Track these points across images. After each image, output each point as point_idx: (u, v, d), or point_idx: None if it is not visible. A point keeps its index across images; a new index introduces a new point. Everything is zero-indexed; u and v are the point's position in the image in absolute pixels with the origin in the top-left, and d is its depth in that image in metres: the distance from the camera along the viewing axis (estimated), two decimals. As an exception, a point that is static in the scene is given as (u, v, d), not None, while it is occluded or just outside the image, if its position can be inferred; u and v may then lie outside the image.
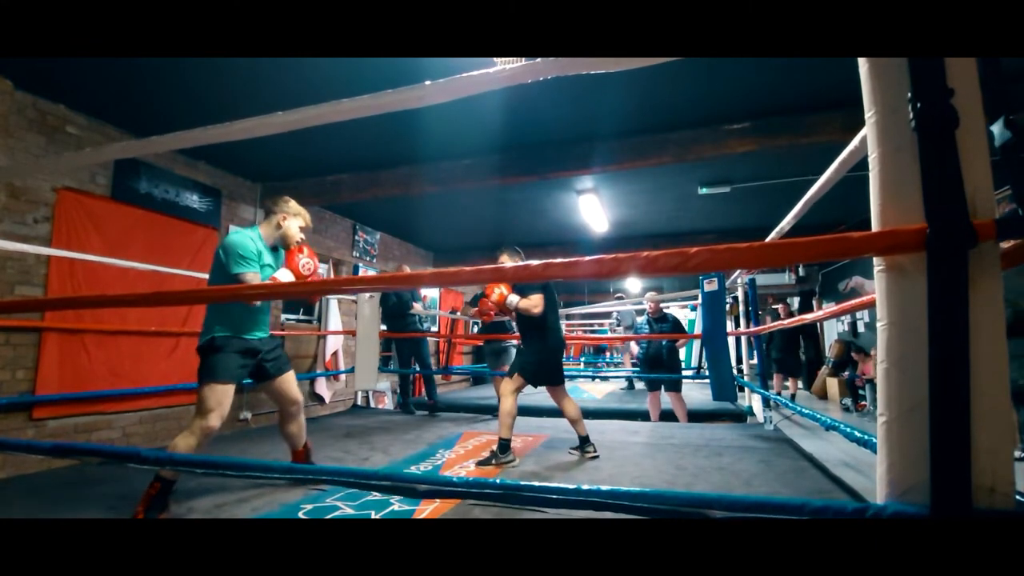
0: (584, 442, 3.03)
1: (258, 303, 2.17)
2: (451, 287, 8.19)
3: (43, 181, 3.09)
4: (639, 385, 8.39)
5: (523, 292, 2.98)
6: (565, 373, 3.18)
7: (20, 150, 2.96)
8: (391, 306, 5.16)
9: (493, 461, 2.80)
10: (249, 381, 2.30)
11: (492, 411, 4.64)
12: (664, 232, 6.68)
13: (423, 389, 5.46)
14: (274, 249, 2.28)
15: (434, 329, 7.87)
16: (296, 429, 2.41)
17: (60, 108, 3.17)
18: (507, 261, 3.01)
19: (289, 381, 2.33)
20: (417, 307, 5.18)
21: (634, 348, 7.13)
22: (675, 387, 4.93)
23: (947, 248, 0.68)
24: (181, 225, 3.97)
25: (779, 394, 5.95)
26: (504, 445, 2.82)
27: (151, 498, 1.97)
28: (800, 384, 7.67)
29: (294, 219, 2.25)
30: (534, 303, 2.92)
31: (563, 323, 8.52)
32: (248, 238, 2.14)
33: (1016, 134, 0.74)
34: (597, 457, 3.00)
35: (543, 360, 2.99)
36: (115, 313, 3.46)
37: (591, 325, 12.43)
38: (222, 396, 2.02)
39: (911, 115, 0.71)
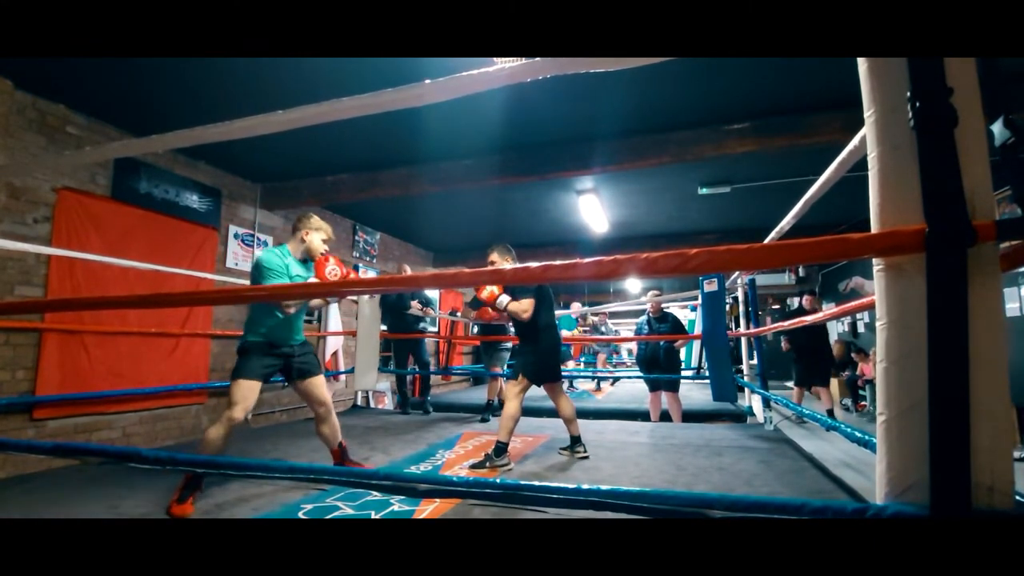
0: (575, 442, 3.00)
1: (292, 312, 2.37)
2: (451, 288, 8.19)
3: (43, 181, 3.09)
4: (602, 385, 8.35)
5: (514, 294, 2.90)
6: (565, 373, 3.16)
7: (20, 150, 2.96)
8: (391, 303, 5.17)
9: (487, 464, 2.75)
10: (280, 379, 2.51)
11: (478, 411, 4.65)
12: (664, 232, 6.68)
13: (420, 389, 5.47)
14: (304, 262, 2.51)
15: (434, 329, 7.87)
16: (328, 430, 2.57)
17: (60, 108, 3.17)
18: (497, 259, 2.95)
19: (316, 384, 2.51)
20: (416, 305, 5.17)
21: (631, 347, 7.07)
22: (672, 387, 4.93)
23: (946, 248, 0.68)
24: (181, 225, 3.98)
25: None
26: (501, 448, 2.77)
27: (188, 479, 2.19)
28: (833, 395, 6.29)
29: (316, 233, 2.48)
30: (524, 308, 2.85)
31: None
32: (274, 254, 2.40)
33: (1016, 134, 0.74)
34: (587, 458, 2.97)
35: (542, 359, 2.96)
36: (115, 314, 3.46)
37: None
38: (247, 392, 2.25)
39: (910, 114, 0.71)
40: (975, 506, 0.65)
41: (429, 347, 7.77)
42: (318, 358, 2.62)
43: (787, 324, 3.31)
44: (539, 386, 3.09)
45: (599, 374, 8.35)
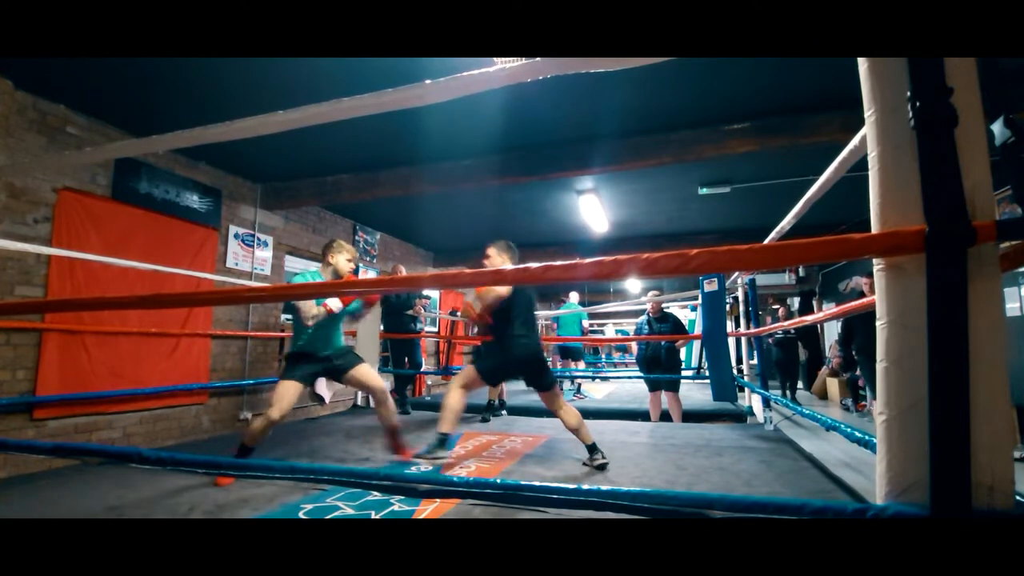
0: (592, 450, 2.77)
1: (311, 324, 2.60)
2: (451, 289, 8.16)
3: (43, 181, 3.09)
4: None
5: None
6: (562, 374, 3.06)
7: (20, 150, 2.96)
8: (392, 304, 5.17)
9: (426, 453, 2.65)
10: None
11: (479, 411, 4.63)
12: (664, 232, 6.68)
13: (422, 389, 5.45)
14: None
15: (433, 329, 7.86)
16: (384, 411, 2.82)
17: (60, 108, 3.17)
18: (493, 255, 2.81)
19: (362, 373, 2.76)
20: (420, 303, 5.17)
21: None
22: (673, 387, 4.93)
23: (946, 248, 0.68)
24: (181, 225, 3.97)
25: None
26: (441, 440, 2.63)
27: (237, 453, 2.47)
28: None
29: (339, 255, 2.73)
30: (497, 291, 2.67)
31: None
32: (303, 277, 2.71)
33: (1016, 133, 0.74)
34: (606, 464, 2.76)
35: (500, 364, 2.81)
36: (115, 314, 3.46)
37: (591, 325, 12.39)
38: (284, 392, 2.52)
39: (910, 114, 0.71)
40: (975, 506, 0.65)
41: (429, 347, 7.77)
42: (358, 355, 2.88)
43: (794, 320, 3.31)
44: (494, 386, 2.98)
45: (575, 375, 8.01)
